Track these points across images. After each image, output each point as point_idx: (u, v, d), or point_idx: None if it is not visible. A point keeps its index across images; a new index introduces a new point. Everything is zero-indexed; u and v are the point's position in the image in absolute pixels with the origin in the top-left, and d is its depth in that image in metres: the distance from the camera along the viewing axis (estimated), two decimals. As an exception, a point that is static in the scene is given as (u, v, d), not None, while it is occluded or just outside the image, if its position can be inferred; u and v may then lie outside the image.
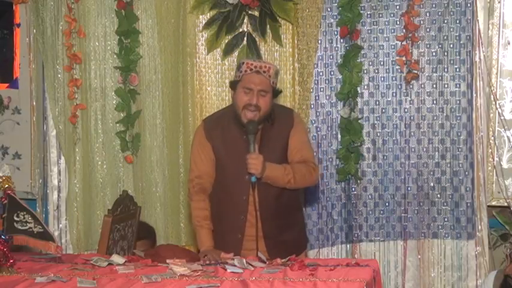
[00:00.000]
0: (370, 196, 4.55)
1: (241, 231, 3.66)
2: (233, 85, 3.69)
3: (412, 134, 4.50)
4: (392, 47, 4.48)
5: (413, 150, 4.50)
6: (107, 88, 4.76)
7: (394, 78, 4.50)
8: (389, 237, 4.55)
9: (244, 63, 3.64)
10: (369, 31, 4.50)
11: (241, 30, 4.65)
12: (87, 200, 4.75)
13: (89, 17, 4.72)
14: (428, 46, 4.45)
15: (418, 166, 4.50)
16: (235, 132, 3.68)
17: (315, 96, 4.54)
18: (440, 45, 4.44)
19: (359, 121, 4.50)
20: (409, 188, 4.51)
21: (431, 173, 4.49)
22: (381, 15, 4.48)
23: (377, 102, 4.53)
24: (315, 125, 4.53)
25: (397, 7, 4.46)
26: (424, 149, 4.49)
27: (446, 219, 4.49)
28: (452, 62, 4.44)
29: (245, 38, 4.64)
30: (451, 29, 4.42)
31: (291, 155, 3.71)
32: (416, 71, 4.45)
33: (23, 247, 3.42)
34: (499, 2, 4.42)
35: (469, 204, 4.45)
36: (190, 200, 3.82)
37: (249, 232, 3.65)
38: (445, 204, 4.49)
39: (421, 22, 4.43)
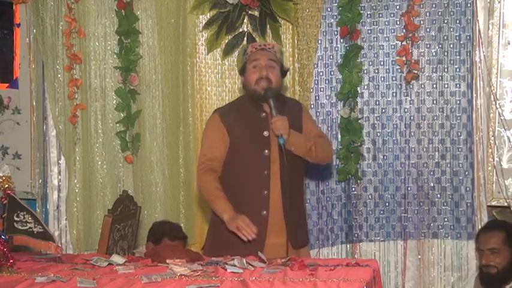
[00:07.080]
0: (370, 196, 4.55)
1: (265, 207, 3.60)
2: (242, 70, 3.74)
3: (412, 134, 4.50)
4: (392, 47, 4.49)
5: (413, 150, 4.50)
6: (107, 88, 4.76)
7: (394, 78, 4.50)
8: (389, 237, 4.56)
9: (249, 46, 3.78)
10: (369, 31, 4.50)
11: (241, 30, 4.66)
12: (87, 200, 4.75)
13: (89, 17, 4.72)
14: (428, 46, 4.45)
15: (418, 166, 4.50)
16: (251, 110, 3.69)
17: (315, 96, 4.54)
18: (440, 45, 4.44)
19: (359, 121, 4.50)
20: (409, 188, 4.51)
21: (431, 173, 4.49)
22: (381, 15, 4.48)
23: (377, 102, 4.53)
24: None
25: (397, 7, 4.47)
26: (424, 149, 4.49)
27: (446, 219, 4.49)
28: (452, 62, 4.44)
29: (245, 38, 4.65)
30: (451, 29, 4.42)
31: (307, 135, 3.74)
32: (416, 71, 4.45)
33: (23, 247, 3.42)
34: (499, 2, 4.42)
35: (469, 204, 4.45)
36: (199, 181, 3.70)
37: (274, 210, 3.60)
38: (445, 204, 4.49)
39: (421, 22, 4.43)
